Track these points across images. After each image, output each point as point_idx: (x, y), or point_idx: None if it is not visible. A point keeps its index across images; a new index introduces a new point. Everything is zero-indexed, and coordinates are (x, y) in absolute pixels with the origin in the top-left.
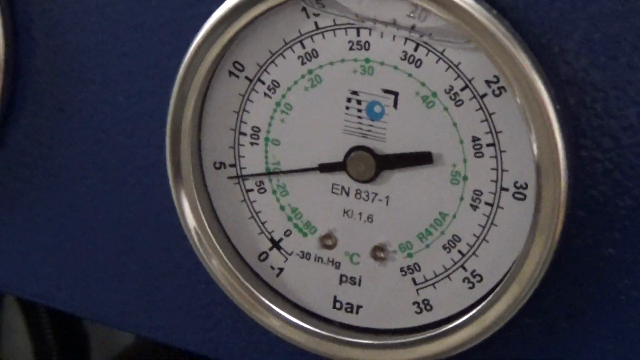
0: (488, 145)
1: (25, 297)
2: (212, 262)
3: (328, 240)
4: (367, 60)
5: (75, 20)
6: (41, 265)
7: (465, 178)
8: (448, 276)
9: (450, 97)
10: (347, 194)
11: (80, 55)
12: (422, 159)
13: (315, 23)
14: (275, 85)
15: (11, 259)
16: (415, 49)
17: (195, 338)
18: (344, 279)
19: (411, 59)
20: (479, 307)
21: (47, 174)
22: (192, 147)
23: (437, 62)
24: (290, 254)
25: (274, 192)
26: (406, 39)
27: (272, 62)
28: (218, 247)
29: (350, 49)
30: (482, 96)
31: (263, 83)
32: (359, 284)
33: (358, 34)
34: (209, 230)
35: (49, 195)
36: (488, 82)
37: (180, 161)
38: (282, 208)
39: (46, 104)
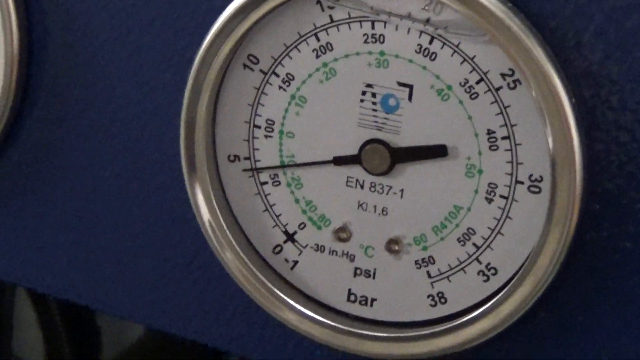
0: (503, 138)
1: (38, 289)
2: (226, 255)
3: (342, 233)
4: (381, 53)
5: (89, 13)
6: (54, 257)
7: (480, 171)
8: (463, 269)
9: (465, 90)
10: (362, 186)
11: (93, 48)
12: (437, 152)
13: (330, 16)
14: (289, 78)
15: (24, 252)
16: (430, 42)
17: (208, 330)
18: (358, 271)
19: (426, 52)
20: (493, 300)
21: (60, 167)
22: (206, 140)
23: (452, 55)
24: (304, 247)
25: (289, 185)
26: (421, 32)
27: (287, 55)
28: (232, 240)
29: (365, 41)
30: (497, 89)
31: (277, 76)
32: (374, 277)
33: (373, 27)
34: (223, 223)
35: (61, 188)
36: (503, 75)
37: (195, 154)
38: (297, 201)
39: (60, 96)
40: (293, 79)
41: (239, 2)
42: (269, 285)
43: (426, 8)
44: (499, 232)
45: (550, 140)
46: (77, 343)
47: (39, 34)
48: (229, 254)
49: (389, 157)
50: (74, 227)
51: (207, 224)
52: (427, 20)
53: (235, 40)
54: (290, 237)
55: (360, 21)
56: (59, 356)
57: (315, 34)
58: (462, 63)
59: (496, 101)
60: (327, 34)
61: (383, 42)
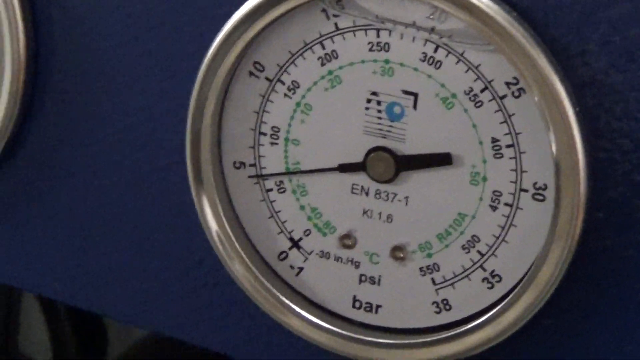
0: (507, 146)
1: (43, 294)
2: (232, 261)
3: (347, 240)
4: (386, 61)
5: (96, 20)
6: (61, 263)
7: (484, 179)
8: (467, 276)
9: (470, 99)
10: (367, 194)
11: (100, 55)
12: (442, 160)
13: (335, 24)
14: (295, 85)
15: (30, 257)
16: (435, 51)
17: (214, 336)
18: (363, 278)
19: (431, 60)
20: (497, 308)
21: (66, 173)
22: (212, 147)
23: (456, 63)
24: (309, 254)
25: (294, 191)
26: (426, 40)
27: (292, 62)
28: (238, 246)
29: (370, 50)
30: (502, 97)
31: (283, 83)
32: (379, 284)
33: (378, 35)
34: (229, 229)
35: (68, 193)
36: (508, 84)
37: (201, 161)
38: (302, 208)
39: (66, 103)
40: (298, 86)
41: (245, 9)
42: (275, 291)
43: (431, 17)
44: (503, 240)
45: (554, 148)
46: (84, 342)
47: (45, 41)
48: (236, 261)
49: (394, 165)
50: (79, 233)
51: (213, 231)
52: (432, 29)
53: (241, 48)
54: (295, 243)
55: (366, 29)
56: (65, 355)
57: (321, 42)
58: (466, 71)
59: (500, 109)
60: (333, 41)
61: (388, 50)
